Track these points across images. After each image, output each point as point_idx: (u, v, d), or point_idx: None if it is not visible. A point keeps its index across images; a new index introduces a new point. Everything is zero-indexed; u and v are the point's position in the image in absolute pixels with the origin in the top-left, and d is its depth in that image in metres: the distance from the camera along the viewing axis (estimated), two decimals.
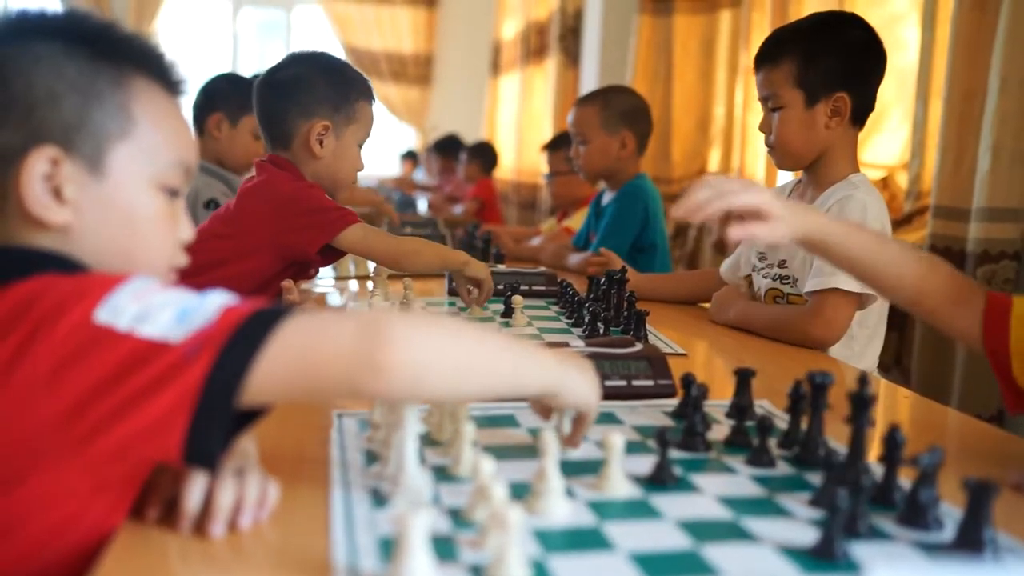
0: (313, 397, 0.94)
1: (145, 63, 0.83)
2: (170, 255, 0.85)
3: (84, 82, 0.78)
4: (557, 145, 3.33)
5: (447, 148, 6.52)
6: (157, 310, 0.68)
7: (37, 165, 0.75)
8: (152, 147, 0.81)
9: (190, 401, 0.65)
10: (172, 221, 0.84)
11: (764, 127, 1.73)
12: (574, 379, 0.86)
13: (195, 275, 1.52)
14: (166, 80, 0.85)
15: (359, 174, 1.80)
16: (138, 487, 0.74)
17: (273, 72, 1.68)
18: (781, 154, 1.72)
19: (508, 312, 1.67)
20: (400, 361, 0.70)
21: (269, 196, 1.60)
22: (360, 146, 1.73)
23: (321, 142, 1.65)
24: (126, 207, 0.80)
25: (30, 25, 0.80)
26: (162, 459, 0.69)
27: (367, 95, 1.73)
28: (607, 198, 2.57)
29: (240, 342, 0.67)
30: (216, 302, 0.70)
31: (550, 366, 0.84)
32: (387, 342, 0.69)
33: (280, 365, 0.68)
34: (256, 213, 1.60)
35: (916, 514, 0.79)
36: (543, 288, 1.91)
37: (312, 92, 1.65)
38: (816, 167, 1.70)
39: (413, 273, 1.77)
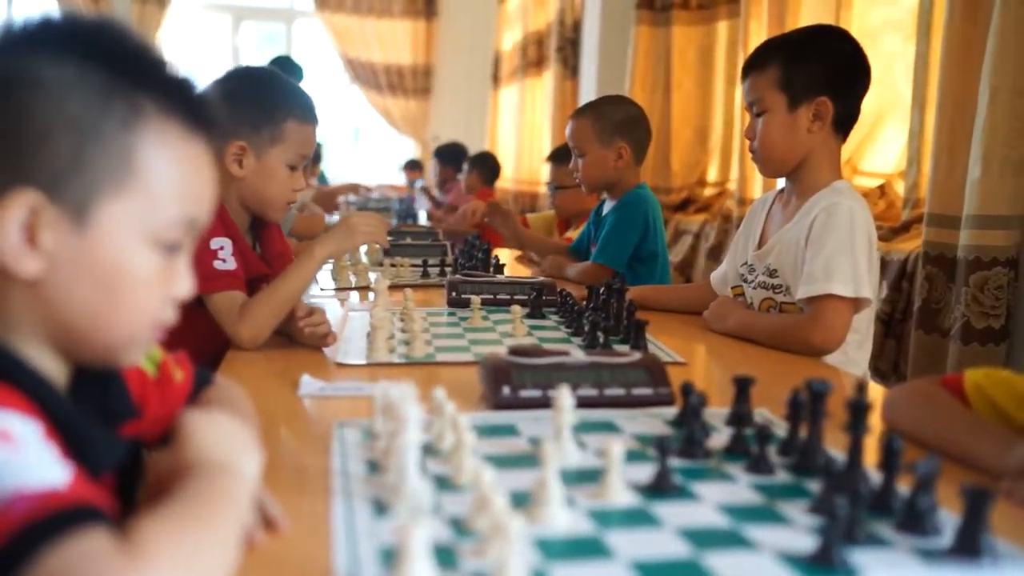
0: None
1: (167, 94, 0.72)
2: (155, 315, 0.73)
3: (87, 119, 0.67)
4: (560, 157, 3.34)
5: (448, 157, 6.24)
6: None
7: (15, 211, 0.65)
8: (152, 200, 0.70)
9: None
10: (165, 279, 0.72)
11: (749, 133, 1.76)
12: (244, 467, 0.72)
13: None
14: (188, 116, 0.73)
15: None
16: None
17: (207, 89, 1.60)
18: (764, 159, 1.75)
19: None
20: None
21: None
22: (293, 168, 1.64)
23: (240, 162, 1.59)
24: (109, 266, 0.69)
25: (49, 37, 0.70)
26: None
27: (298, 115, 1.64)
28: (608, 207, 2.58)
29: None
30: (11, 484, 0.57)
31: (234, 489, 0.69)
32: None
33: None
34: None
35: (914, 520, 0.79)
36: (543, 298, 1.91)
37: (233, 111, 1.59)
38: (799, 174, 1.73)
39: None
